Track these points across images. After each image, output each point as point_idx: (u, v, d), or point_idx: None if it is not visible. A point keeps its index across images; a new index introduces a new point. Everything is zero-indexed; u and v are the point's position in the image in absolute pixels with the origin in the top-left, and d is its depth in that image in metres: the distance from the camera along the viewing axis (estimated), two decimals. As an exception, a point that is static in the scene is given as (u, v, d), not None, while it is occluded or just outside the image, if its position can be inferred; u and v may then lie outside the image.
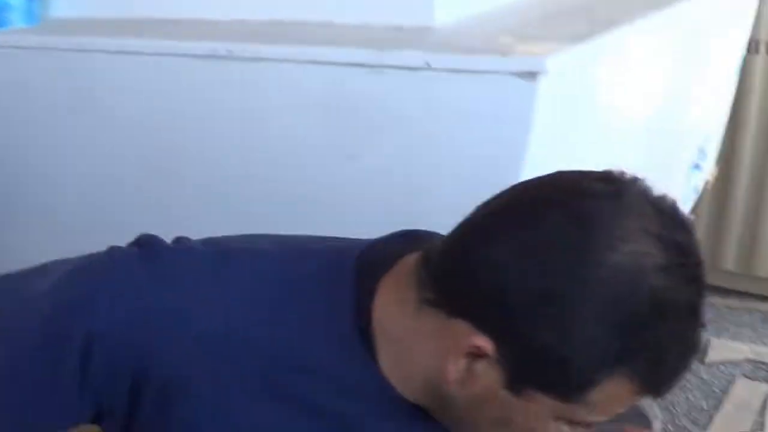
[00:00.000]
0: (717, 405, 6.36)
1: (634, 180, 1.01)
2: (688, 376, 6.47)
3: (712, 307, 7.26)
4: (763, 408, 6.33)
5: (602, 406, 1.03)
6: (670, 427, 6.00)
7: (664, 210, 1.00)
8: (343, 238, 1.22)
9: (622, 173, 1.02)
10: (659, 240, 0.96)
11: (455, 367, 1.02)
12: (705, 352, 6.65)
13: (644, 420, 5.31)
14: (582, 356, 0.96)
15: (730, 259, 6.67)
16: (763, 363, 6.63)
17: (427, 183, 2.15)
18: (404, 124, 2.12)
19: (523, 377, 1.01)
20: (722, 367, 6.57)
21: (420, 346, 1.06)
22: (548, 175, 1.05)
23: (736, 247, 6.57)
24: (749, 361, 6.63)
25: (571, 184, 1.00)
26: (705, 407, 6.35)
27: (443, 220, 1.17)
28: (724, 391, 6.39)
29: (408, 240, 1.17)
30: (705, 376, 6.48)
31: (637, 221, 0.96)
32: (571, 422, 1.05)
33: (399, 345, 1.08)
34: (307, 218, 2.06)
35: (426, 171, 2.15)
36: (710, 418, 6.21)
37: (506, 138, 1.98)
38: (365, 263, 1.12)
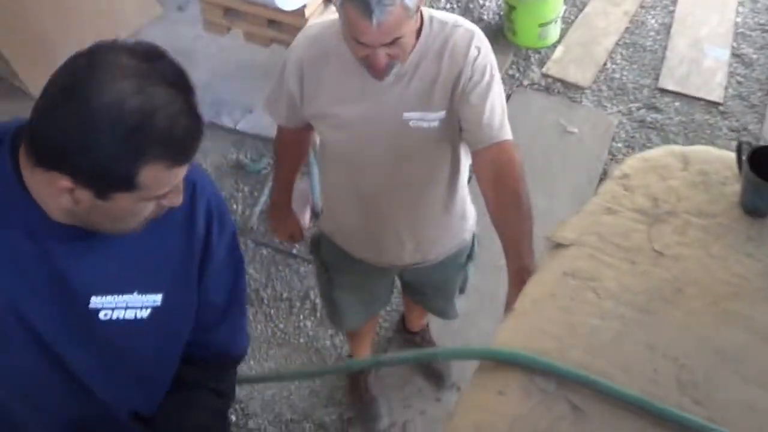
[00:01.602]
0: None
1: (116, 43, 1.45)
2: None
3: None
4: None
5: (155, 186, 1.47)
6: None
7: (137, 53, 1.44)
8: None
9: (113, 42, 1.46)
10: (132, 75, 1.40)
11: (65, 200, 1.46)
12: None
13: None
14: (115, 164, 1.41)
15: None
16: None
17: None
18: None
19: (101, 190, 1.44)
20: None
21: (44, 192, 1.48)
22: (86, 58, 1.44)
23: None
24: None
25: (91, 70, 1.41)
26: None
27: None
28: None
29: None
30: None
31: (115, 68, 1.41)
32: (154, 199, 1.51)
33: (35, 190, 1.49)
34: None
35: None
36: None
37: None
38: (16, 134, 1.52)
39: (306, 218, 3.82)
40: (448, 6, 5.06)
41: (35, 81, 4.43)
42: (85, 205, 1.46)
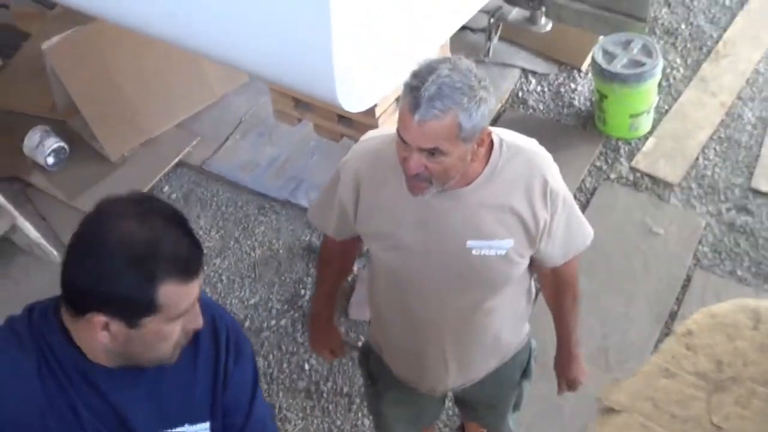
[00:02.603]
0: (742, 4, 5.53)
1: (127, 199, 1.69)
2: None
3: None
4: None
5: (174, 303, 1.66)
6: (678, 61, 5.20)
7: (133, 200, 1.68)
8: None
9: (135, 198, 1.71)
10: (133, 216, 1.64)
11: (104, 337, 1.66)
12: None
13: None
14: (135, 289, 1.61)
15: None
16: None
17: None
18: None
19: (130, 317, 1.64)
20: None
21: (88, 338, 1.69)
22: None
23: None
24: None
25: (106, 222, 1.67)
26: (727, 3, 5.53)
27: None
28: None
29: None
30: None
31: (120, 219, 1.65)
32: (177, 318, 1.69)
33: (83, 341, 1.71)
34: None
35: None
36: (732, 16, 5.42)
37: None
38: (55, 308, 1.74)
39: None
40: (539, 89, 4.96)
41: (115, 147, 4.51)
42: (121, 338, 1.67)
